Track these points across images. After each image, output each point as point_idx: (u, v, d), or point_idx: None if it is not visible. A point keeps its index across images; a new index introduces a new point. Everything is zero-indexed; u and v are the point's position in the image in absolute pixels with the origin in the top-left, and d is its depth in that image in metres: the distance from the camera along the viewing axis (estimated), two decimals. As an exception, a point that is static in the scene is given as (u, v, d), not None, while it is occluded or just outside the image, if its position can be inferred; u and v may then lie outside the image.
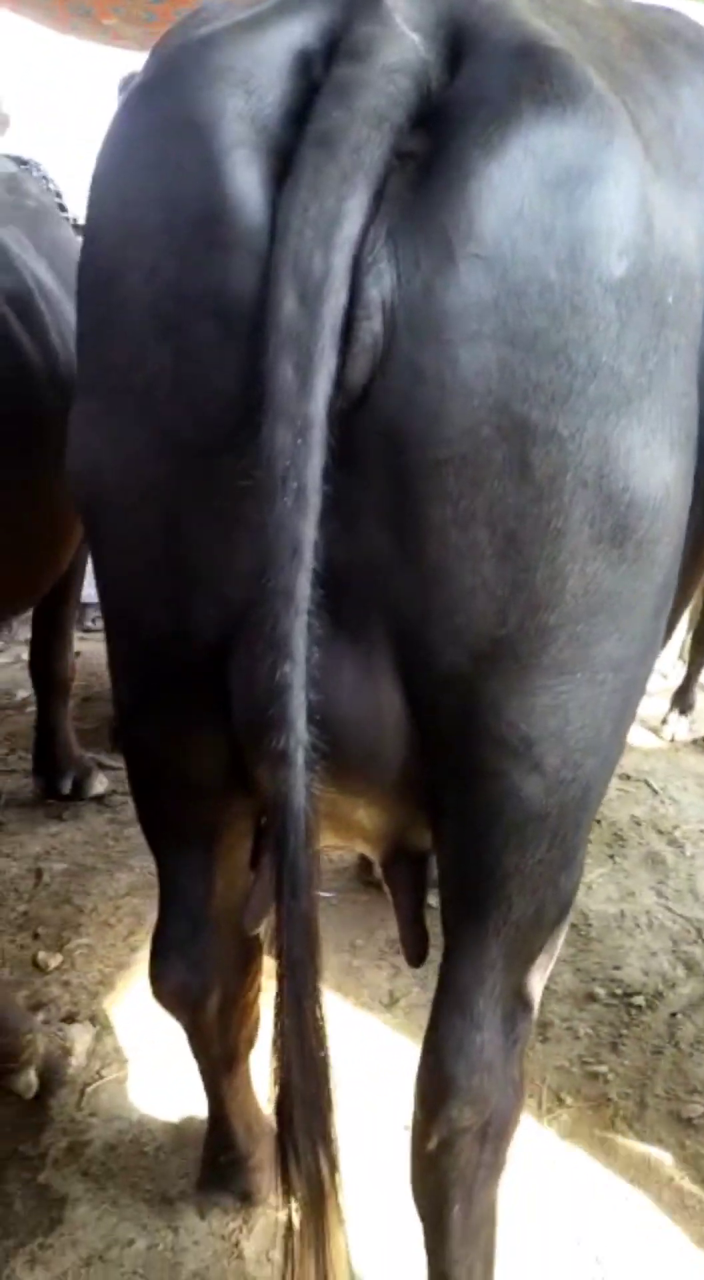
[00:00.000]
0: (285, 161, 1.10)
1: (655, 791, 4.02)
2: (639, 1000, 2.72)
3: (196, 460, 1.20)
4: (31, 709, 4.48)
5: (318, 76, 1.14)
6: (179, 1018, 1.75)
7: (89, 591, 3.93)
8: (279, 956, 1.22)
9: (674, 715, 4.56)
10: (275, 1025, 1.25)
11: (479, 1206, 1.51)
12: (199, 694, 1.36)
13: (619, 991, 2.76)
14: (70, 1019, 2.61)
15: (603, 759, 1.34)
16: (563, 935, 1.49)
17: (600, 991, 2.75)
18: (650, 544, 1.22)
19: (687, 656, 4.79)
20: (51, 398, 2.37)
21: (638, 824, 3.75)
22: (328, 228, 1.05)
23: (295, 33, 1.17)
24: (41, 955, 2.86)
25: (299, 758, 1.13)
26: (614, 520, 1.17)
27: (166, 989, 1.67)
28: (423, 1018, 2.57)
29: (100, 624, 5.51)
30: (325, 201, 1.06)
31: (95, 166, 1.25)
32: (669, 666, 5.03)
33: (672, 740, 4.51)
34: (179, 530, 1.25)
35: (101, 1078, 2.43)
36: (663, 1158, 2.23)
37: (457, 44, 1.15)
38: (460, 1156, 1.45)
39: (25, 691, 4.65)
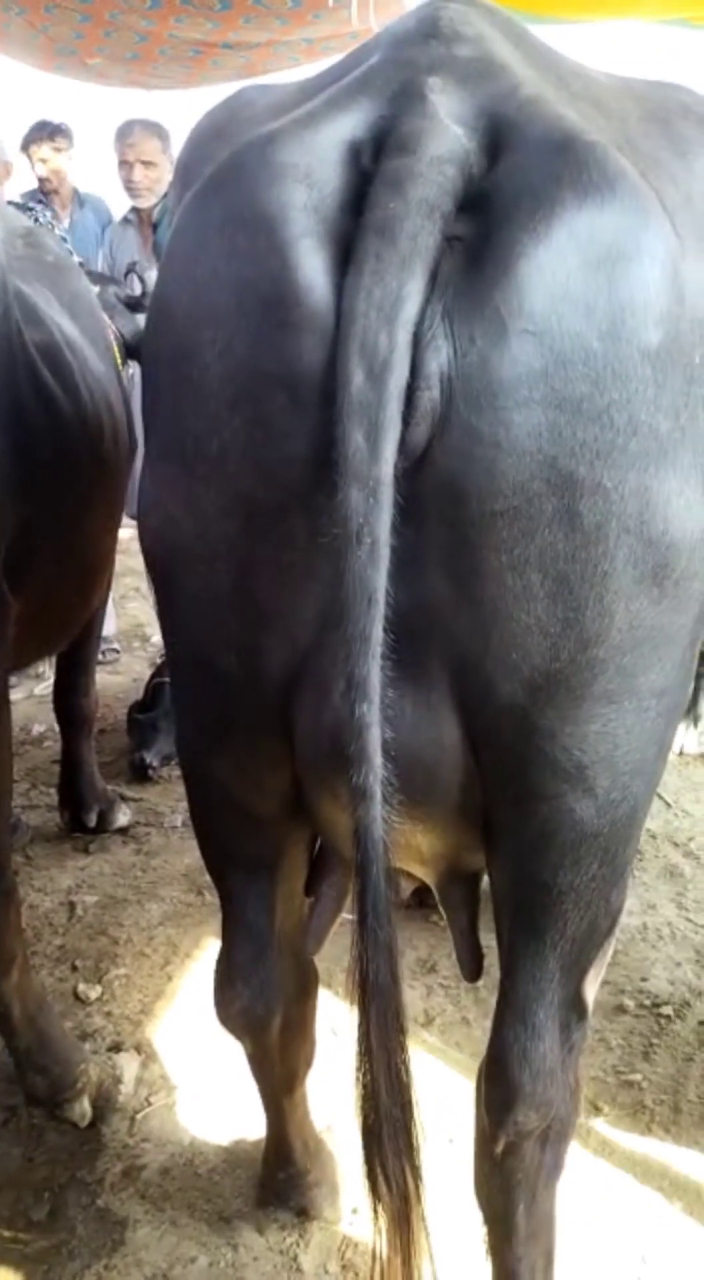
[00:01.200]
0: (344, 248, 1.21)
1: (669, 805, 4.11)
2: (668, 1010, 2.81)
3: (267, 518, 1.30)
4: (49, 744, 4.57)
5: (367, 166, 1.26)
6: (244, 1041, 1.83)
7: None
8: (361, 980, 1.31)
9: (684, 729, 4.65)
10: (359, 1045, 1.34)
11: (541, 1207, 1.60)
12: (265, 732, 1.46)
13: (647, 1002, 2.85)
14: (116, 1048, 2.69)
15: (648, 779, 1.44)
16: (612, 947, 1.58)
17: (629, 1003, 2.84)
18: (688, 580, 1.32)
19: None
20: (82, 446, 2.47)
21: (654, 837, 3.83)
22: (391, 309, 1.16)
23: (346, 127, 1.28)
24: (81, 987, 2.94)
25: (377, 791, 1.23)
26: (655, 561, 1.28)
27: (233, 1013, 1.76)
28: (458, 1035, 2.69)
29: (112, 657, 5.59)
30: (387, 286, 1.16)
31: (166, 251, 1.36)
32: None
33: (681, 753, 4.60)
34: (250, 581, 1.35)
35: (150, 1104, 2.51)
36: (700, 1159, 2.31)
37: (496, 135, 1.26)
38: (525, 1159, 1.54)
39: (41, 726, 4.74)
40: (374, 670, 1.22)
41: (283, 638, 1.37)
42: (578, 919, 1.45)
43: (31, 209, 5.05)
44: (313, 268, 1.21)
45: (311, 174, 1.24)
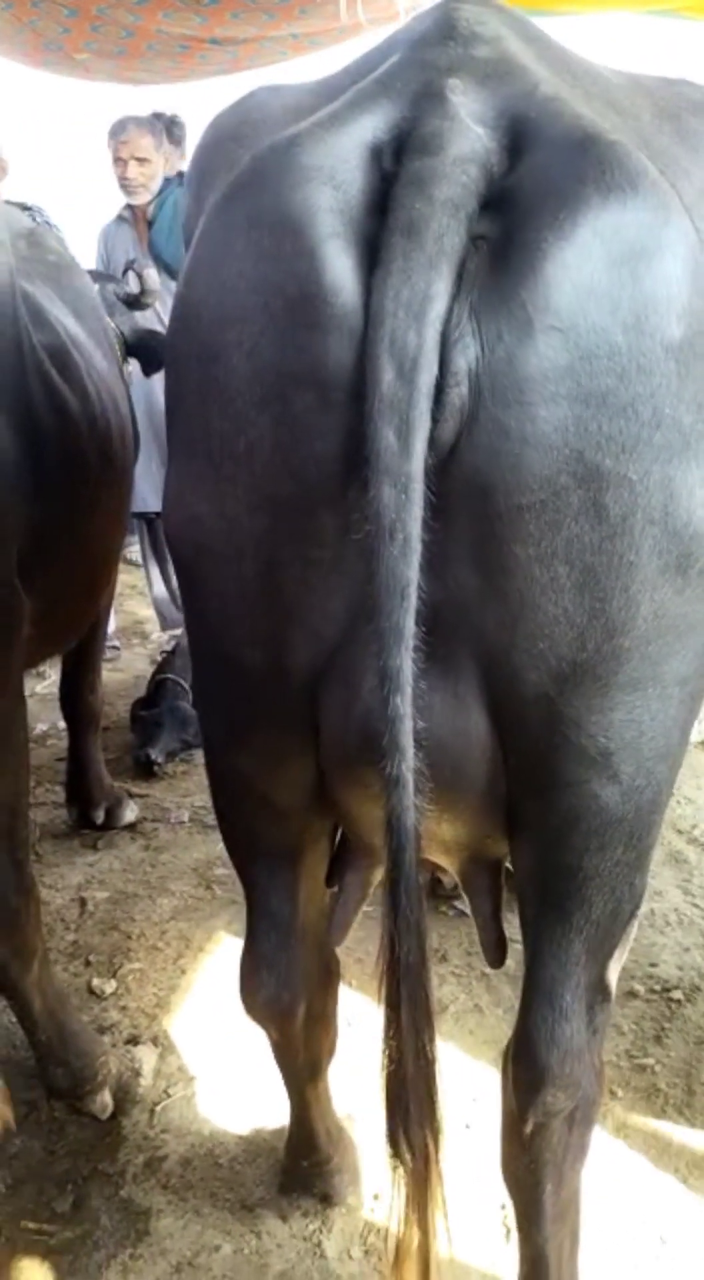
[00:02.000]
0: (371, 248, 1.23)
1: (672, 793, 4.14)
2: (677, 994, 2.84)
3: (294, 515, 1.32)
4: (52, 741, 4.59)
5: (388, 168, 1.28)
6: (269, 1029, 1.86)
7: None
8: (391, 961, 1.34)
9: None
10: (387, 1022, 1.38)
11: (568, 1187, 1.64)
12: (290, 726, 1.48)
13: (657, 987, 2.88)
14: (133, 1041, 2.72)
15: (671, 765, 1.47)
16: (635, 930, 1.61)
17: (640, 988, 2.87)
18: None
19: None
20: (91, 446, 2.49)
21: (657, 825, 3.87)
22: (419, 309, 1.18)
23: (367, 128, 1.30)
24: (96, 982, 2.96)
25: (410, 781, 1.26)
26: (679, 551, 1.30)
27: (259, 1002, 1.79)
28: (471, 1023, 2.72)
29: (112, 654, 5.60)
30: (415, 285, 1.19)
31: (191, 255, 1.38)
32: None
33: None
34: (276, 577, 1.37)
35: (169, 1095, 2.54)
36: (714, 1138, 2.35)
37: (517, 134, 1.28)
38: (553, 1139, 1.57)
39: (44, 724, 4.75)
40: (407, 662, 1.24)
41: (309, 633, 1.39)
42: (603, 903, 1.48)
43: (30, 209, 5.04)
44: (341, 268, 1.23)
45: (336, 176, 1.26)
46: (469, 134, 1.27)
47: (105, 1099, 2.43)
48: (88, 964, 3.07)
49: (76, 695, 3.73)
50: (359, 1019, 2.76)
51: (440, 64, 1.34)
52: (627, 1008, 2.79)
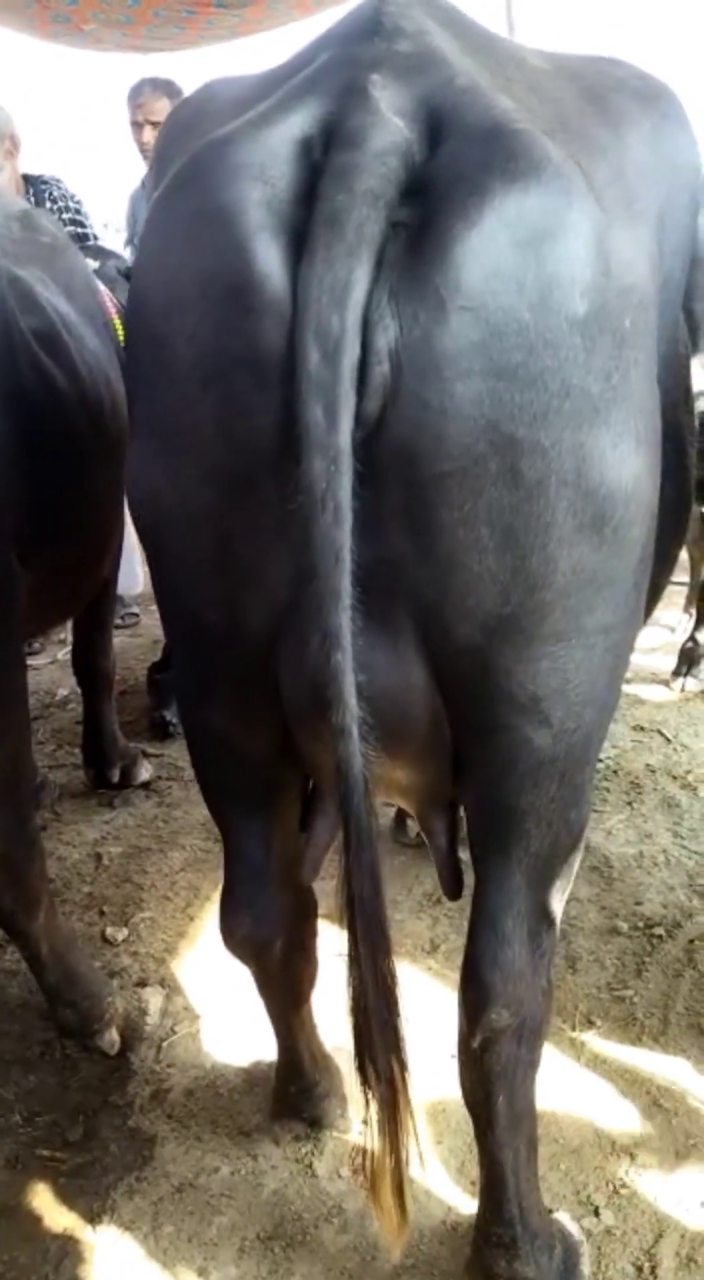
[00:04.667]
0: (299, 238, 1.34)
1: (668, 740, 4.25)
2: (659, 931, 2.97)
3: (240, 486, 1.44)
4: (73, 706, 4.75)
5: (318, 160, 1.37)
6: (249, 964, 2.01)
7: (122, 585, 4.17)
8: (348, 899, 1.47)
9: (683, 668, 4.79)
10: (349, 956, 1.50)
11: (520, 1098, 1.77)
12: (253, 680, 1.60)
13: (640, 924, 3.01)
14: (142, 984, 2.88)
15: (600, 709, 1.58)
16: (577, 863, 1.73)
17: (623, 925, 3.00)
18: (626, 527, 1.45)
19: (694, 611, 5.00)
20: (83, 423, 2.60)
21: (653, 772, 3.98)
22: (341, 294, 1.29)
23: (296, 125, 1.40)
24: (109, 930, 3.13)
25: (355, 730, 1.38)
26: (593, 511, 1.41)
27: (237, 939, 1.93)
28: (461, 960, 2.85)
29: (132, 620, 5.75)
30: (337, 273, 1.29)
31: (140, 245, 1.49)
32: (675, 621, 5.25)
33: (682, 691, 4.73)
34: (229, 544, 1.49)
35: (175, 1033, 2.70)
36: (686, 1064, 2.48)
37: (435, 125, 1.38)
38: (502, 1053, 1.71)
39: (65, 690, 4.92)
40: (345, 621, 1.35)
41: (262, 595, 1.51)
42: (540, 837, 1.60)
43: (47, 182, 5.13)
44: (269, 258, 1.33)
45: (266, 171, 1.36)
46: (389, 126, 1.37)
47: (113, 1036, 2.59)
48: (102, 914, 3.24)
49: (89, 660, 3.87)
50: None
51: (364, 60, 1.43)
52: (610, 944, 2.92)
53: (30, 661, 5.33)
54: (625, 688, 4.75)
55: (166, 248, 1.42)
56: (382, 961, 1.49)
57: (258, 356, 1.36)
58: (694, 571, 4.98)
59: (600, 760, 4.04)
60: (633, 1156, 2.26)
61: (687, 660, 4.81)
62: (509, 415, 1.34)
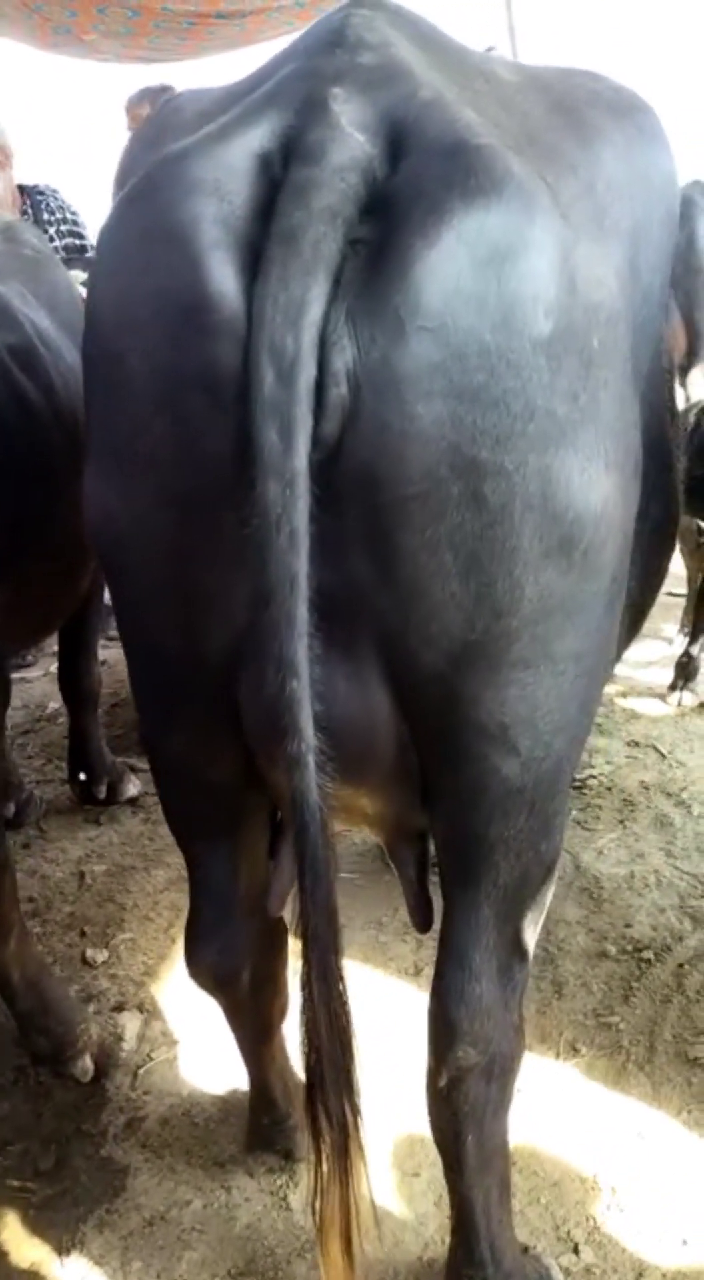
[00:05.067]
0: (256, 254, 1.29)
1: (663, 756, 4.19)
2: (648, 954, 2.91)
3: (196, 510, 1.40)
4: (63, 720, 4.69)
5: (277, 175, 1.34)
6: (215, 996, 1.96)
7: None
8: (304, 934, 1.42)
9: (679, 682, 4.73)
10: (303, 993, 1.46)
11: (491, 1138, 1.72)
12: (214, 706, 1.56)
13: (629, 947, 2.95)
14: (119, 1008, 2.83)
15: (571, 737, 1.54)
16: (550, 893, 1.68)
17: (612, 949, 2.95)
18: (596, 551, 1.41)
19: (689, 625, 4.95)
20: (58, 436, 2.57)
21: (647, 789, 3.93)
22: (296, 314, 1.25)
23: (255, 139, 1.36)
24: (89, 952, 3.08)
25: (311, 761, 1.33)
26: (561, 535, 1.37)
27: (202, 971, 1.89)
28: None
29: (121, 634, 5.73)
30: (292, 292, 1.25)
31: (94, 265, 1.45)
32: (673, 634, 5.20)
33: (679, 706, 4.68)
34: (186, 569, 1.45)
35: (152, 1059, 2.65)
36: (671, 1095, 2.42)
37: (396, 139, 1.34)
38: (470, 1093, 1.66)
39: (57, 704, 4.86)
40: (301, 649, 1.31)
41: (221, 621, 1.46)
42: (509, 869, 1.55)
43: (43, 193, 5.10)
44: (224, 276, 1.29)
45: (221, 187, 1.32)
46: (350, 141, 1.33)
47: (86, 1064, 2.54)
48: (83, 934, 3.19)
49: (73, 676, 3.83)
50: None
51: (326, 73, 1.40)
52: (597, 968, 2.87)
53: (23, 674, 5.30)
54: (621, 702, 4.75)
55: (120, 265, 1.38)
56: (335, 1003, 1.45)
57: (212, 377, 1.32)
58: (691, 584, 4.93)
59: (593, 777, 4.01)
60: (615, 1191, 2.21)
61: (683, 674, 4.76)
62: (472, 438, 1.29)
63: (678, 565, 4.74)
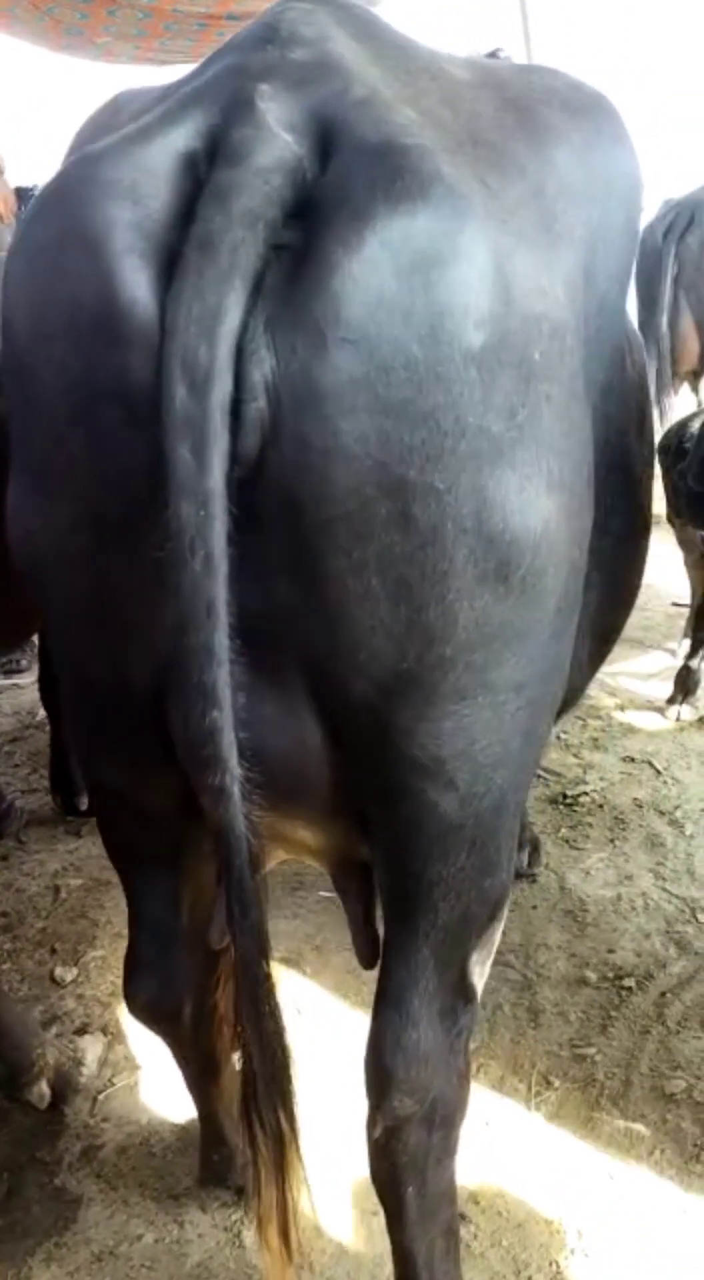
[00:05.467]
0: (174, 261, 1.22)
1: (659, 772, 4.10)
2: (630, 982, 2.82)
3: (115, 531, 1.33)
4: (50, 729, 4.66)
5: (202, 176, 1.26)
6: (155, 1031, 1.89)
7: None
8: (235, 963, 1.37)
9: (679, 696, 4.63)
10: (236, 1018, 1.41)
11: (434, 1187, 1.63)
12: (146, 734, 1.49)
13: (611, 975, 2.86)
14: (82, 1031, 2.77)
15: (515, 770, 1.46)
16: (498, 932, 1.60)
17: (592, 976, 2.86)
18: (536, 575, 1.33)
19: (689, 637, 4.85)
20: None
21: (640, 806, 3.83)
22: (210, 324, 1.17)
23: (179, 139, 1.29)
24: (58, 971, 3.02)
25: (235, 791, 1.27)
26: (497, 558, 1.29)
27: (139, 1005, 1.81)
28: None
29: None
30: (207, 300, 1.18)
31: (5, 270, 1.38)
32: (676, 646, 5.10)
33: (677, 720, 4.58)
34: (108, 592, 1.38)
35: (113, 1085, 2.58)
36: (644, 1133, 2.33)
37: (327, 139, 1.27)
38: (409, 1142, 1.57)
39: (44, 713, 4.82)
40: (220, 677, 1.24)
41: (144, 647, 1.39)
42: (449, 909, 1.47)
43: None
44: (136, 284, 1.22)
45: (137, 189, 1.25)
46: (276, 142, 1.26)
47: (42, 1089, 2.47)
48: (53, 951, 3.12)
49: (55, 686, 3.77)
50: (310, 1007, 2.79)
51: (254, 69, 1.33)
52: (576, 996, 2.78)
53: (16, 680, 5.26)
54: (619, 716, 4.65)
55: (32, 272, 1.31)
56: (266, 1026, 1.42)
57: (126, 391, 1.25)
58: (694, 596, 4.83)
59: (585, 794, 3.93)
60: (581, 1235, 2.12)
61: (682, 688, 4.66)
62: (399, 456, 1.22)
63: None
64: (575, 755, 4.22)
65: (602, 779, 4.04)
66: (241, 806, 1.29)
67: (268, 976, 1.40)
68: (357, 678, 1.33)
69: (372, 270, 1.17)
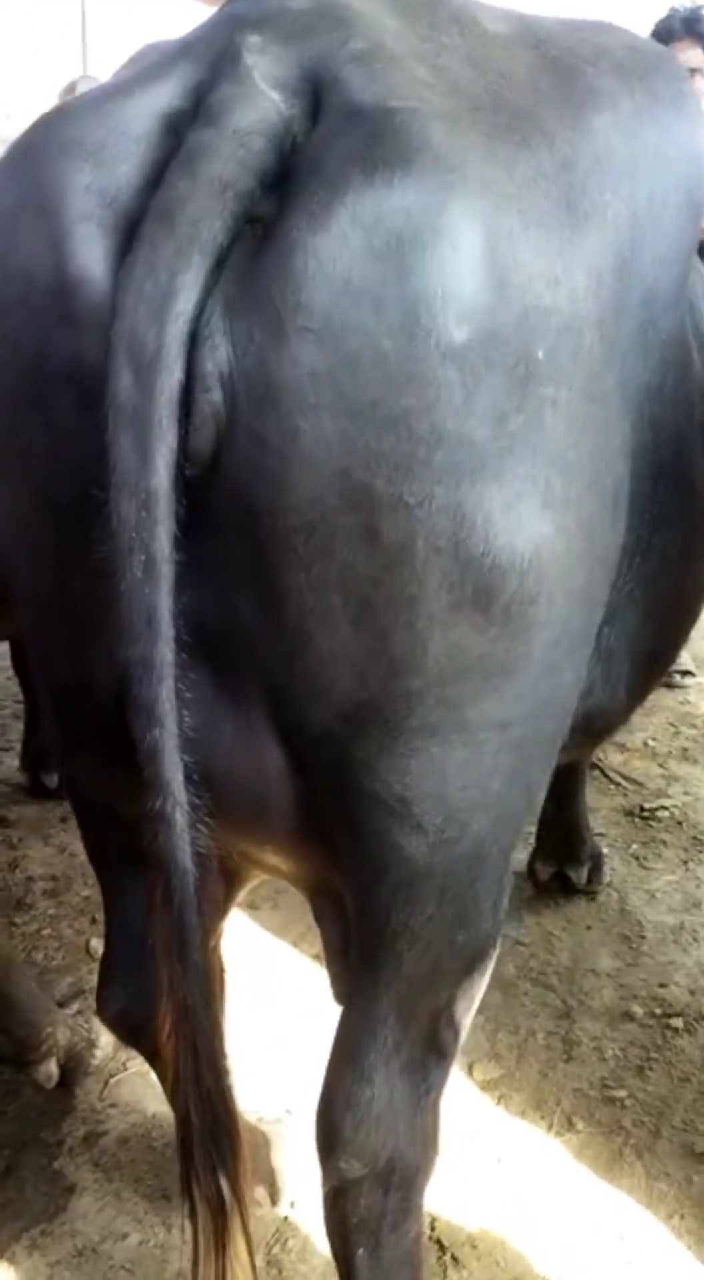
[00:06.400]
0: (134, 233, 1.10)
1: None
2: (678, 1022, 2.63)
3: (73, 521, 1.22)
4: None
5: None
6: (126, 1042, 1.80)
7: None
8: (173, 1006, 1.26)
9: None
10: (173, 1067, 1.30)
11: (390, 1250, 1.49)
12: (114, 736, 1.39)
13: (658, 1011, 2.67)
14: (104, 1009, 2.71)
15: (497, 816, 1.31)
16: (482, 986, 1.45)
17: (639, 1010, 2.67)
18: (523, 605, 1.18)
19: None
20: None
21: (715, 825, 3.61)
22: (161, 303, 1.05)
23: (162, 97, 1.17)
24: (93, 943, 2.98)
25: (178, 819, 1.16)
26: (476, 585, 1.14)
27: (109, 1015, 1.72)
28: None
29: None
30: (160, 277, 1.06)
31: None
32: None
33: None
34: (68, 586, 1.28)
35: (125, 1069, 2.52)
36: (666, 1192, 2.16)
37: (317, 100, 1.13)
38: (359, 1203, 1.44)
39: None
40: (163, 694, 1.14)
41: (104, 650, 1.29)
42: (416, 960, 1.33)
43: None
44: (88, 257, 1.11)
45: (103, 150, 1.14)
46: (258, 101, 1.13)
47: (50, 1069, 2.42)
48: (93, 921, 3.09)
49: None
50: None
51: (248, 18, 1.19)
52: (617, 1030, 2.60)
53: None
54: (715, 724, 4.39)
55: None
56: (206, 1078, 1.29)
57: (79, 374, 1.15)
58: None
59: (665, 808, 3.71)
60: (587, 1293, 1.98)
61: None
62: (364, 464, 1.08)
63: None
64: (660, 765, 4.00)
65: (686, 793, 3.81)
66: (187, 835, 1.18)
67: (213, 1023, 1.29)
68: (316, 704, 1.20)
69: (339, 250, 1.03)
